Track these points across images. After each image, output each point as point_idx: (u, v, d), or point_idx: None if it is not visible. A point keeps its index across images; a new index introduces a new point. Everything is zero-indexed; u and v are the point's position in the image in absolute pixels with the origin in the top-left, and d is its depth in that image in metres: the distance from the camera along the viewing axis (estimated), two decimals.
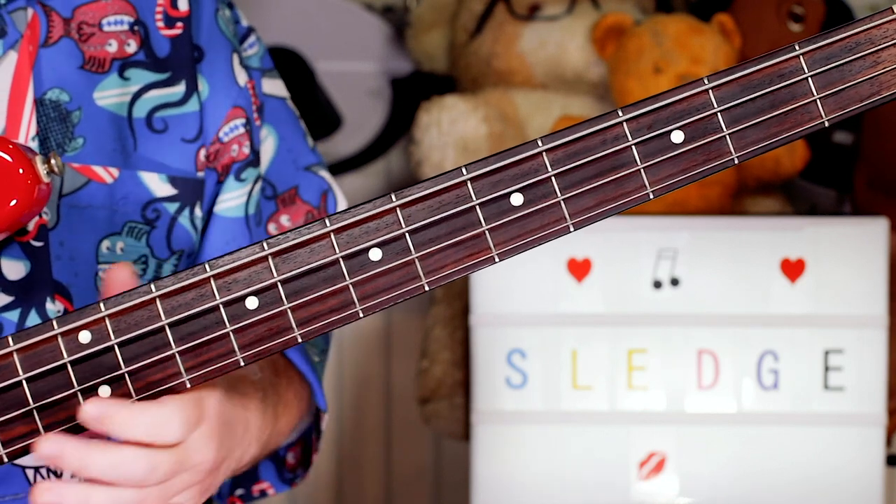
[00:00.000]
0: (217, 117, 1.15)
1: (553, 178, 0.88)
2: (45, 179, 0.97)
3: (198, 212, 1.14)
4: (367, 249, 0.88)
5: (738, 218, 1.96)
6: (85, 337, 0.88)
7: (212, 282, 0.88)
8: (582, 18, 2.18)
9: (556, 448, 1.90)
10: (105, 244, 1.09)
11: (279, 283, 0.89)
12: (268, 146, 1.21)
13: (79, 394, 0.89)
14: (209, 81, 1.15)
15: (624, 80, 2.09)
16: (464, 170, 0.88)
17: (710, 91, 0.88)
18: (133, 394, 0.90)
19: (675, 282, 1.90)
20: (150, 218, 1.11)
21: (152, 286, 0.88)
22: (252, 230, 1.19)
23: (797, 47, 0.88)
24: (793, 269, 1.89)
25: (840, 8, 2.22)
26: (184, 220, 1.13)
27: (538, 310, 1.90)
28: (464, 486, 2.04)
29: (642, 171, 0.88)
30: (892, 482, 2.29)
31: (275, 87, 1.23)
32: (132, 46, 1.11)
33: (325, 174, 1.26)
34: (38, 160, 0.97)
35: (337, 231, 0.88)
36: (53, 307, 1.06)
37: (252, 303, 0.89)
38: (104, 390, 0.89)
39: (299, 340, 0.89)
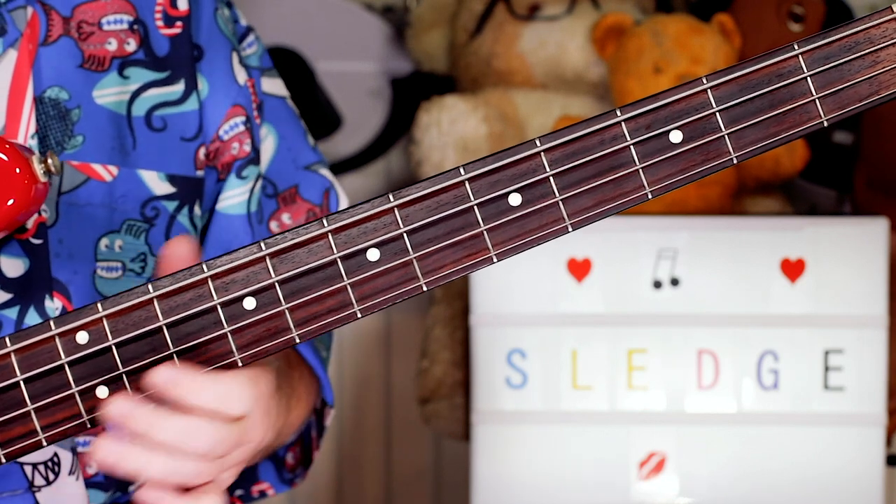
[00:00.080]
0: (217, 116, 1.16)
1: (551, 179, 0.88)
2: (42, 179, 0.97)
3: (197, 210, 1.14)
4: (365, 250, 0.88)
5: (738, 218, 1.96)
6: (83, 337, 0.88)
7: (209, 282, 0.88)
8: (582, 18, 2.18)
9: (556, 448, 1.90)
10: (104, 242, 1.09)
11: (277, 284, 0.88)
12: (268, 145, 1.21)
13: (76, 394, 0.89)
14: (208, 80, 1.15)
15: (624, 80, 2.09)
16: (462, 170, 0.88)
17: (709, 91, 0.88)
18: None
19: (675, 282, 1.90)
20: (149, 216, 1.11)
21: (150, 286, 0.88)
22: (254, 227, 1.19)
23: (796, 47, 0.88)
24: (793, 269, 1.89)
25: (840, 8, 2.22)
26: (183, 218, 1.13)
27: (538, 310, 1.90)
28: (464, 486, 2.04)
29: (641, 171, 0.88)
30: (892, 482, 2.29)
31: (274, 86, 1.23)
32: (132, 45, 1.11)
33: (326, 172, 1.26)
34: (35, 160, 0.97)
35: (335, 231, 0.88)
36: (52, 305, 1.06)
37: (250, 303, 0.89)
38: (102, 391, 0.89)
39: (297, 341, 0.89)
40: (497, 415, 1.91)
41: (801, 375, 1.89)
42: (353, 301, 0.89)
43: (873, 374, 1.88)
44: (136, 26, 1.11)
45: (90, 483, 1.10)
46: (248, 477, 1.26)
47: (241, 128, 1.17)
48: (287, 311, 0.89)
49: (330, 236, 0.88)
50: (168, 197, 1.12)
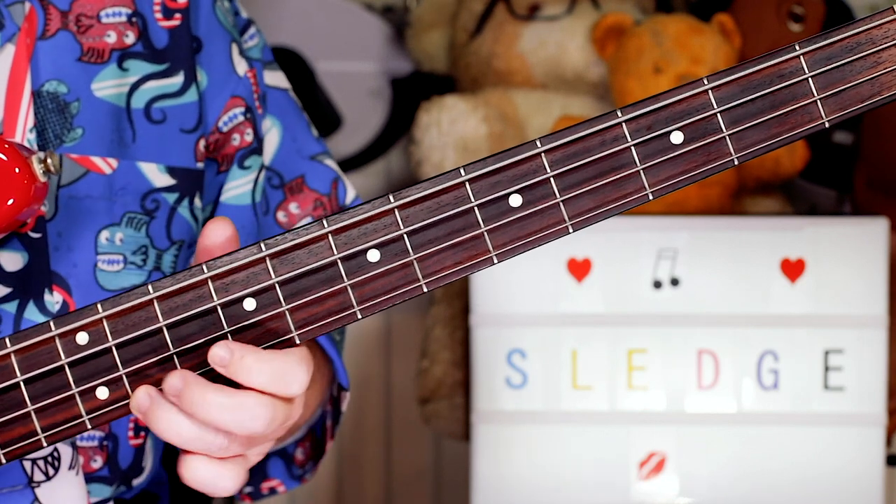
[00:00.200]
0: (216, 107, 1.16)
1: (552, 179, 0.88)
2: (42, 179, 0.97)
3: (197, 202, 1.14)
4: (365, 251, 0.88)
5: (738, 218, 1.96)
6: (83, 338, 0.88)
7: (210, 283, 0.88)
8: (582, 18, 2.18)
9: (556, 448, 1.90)
10: (104, 235, 1.09)
11: (277, 285, 0.88)
12: (272, 137, 1.22)
13: (77, 395, 0.89)
14: (207, 71, 1.15)
15: (624, 80, 2.09)
16: (462, 171, 0.88)
17: (710, 91, 0.88)
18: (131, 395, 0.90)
19: (675, 282, 1.90)
20: (150, 208, 1.11)
21: (150, 287, 0.88)
22: (259, 218, 1.19)
23: (797, 47, 0.88)
24: (793, 269, 1.89)
25: (840, 8, 2.22)
26: (183, 210, 1.13)
27: (538, 310, 1.90)
28: (464, 486, 2.04)
29: (642, 172, 0.88)
30: (892, 482, 2.29)
31: (276, 78, 1.23)
32: (130, 38, 1.11)
33: (331, 163, 1.26)
34: (35, 159, 0.97)
35: (335, 232, 0.88)
36: (52, 298, 1.06)
37: (250, 304, 0.89)
38: (102, 392, 0.89)
39: (297, 342, 0.89)
40: (497, 415, 1.90)
41: (801, 375, 1.89)
42: (354, 302, 0.89)
43: (873, 374, 1.88)
44: (134, 19, 1.12)
45: (94, 477, 1.10)
46: (257, 474, 1.26)
47: (241, 118, 1.17)
48: (287, 312, 0.89)
49: (330, 237, 0.88)
50: (168, 189, 1.12)
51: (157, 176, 1.11)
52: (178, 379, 0.86)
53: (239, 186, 1.18)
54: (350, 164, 2.44)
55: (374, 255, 0.88)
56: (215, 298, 0.88)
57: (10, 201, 0.96)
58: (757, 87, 0.88)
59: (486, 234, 0.88)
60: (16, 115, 1.05)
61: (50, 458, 1.05)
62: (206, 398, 0.86)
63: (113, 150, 1.09)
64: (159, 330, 0.88)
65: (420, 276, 0.88)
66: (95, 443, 1.10)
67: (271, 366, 0.87)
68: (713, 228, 1.91)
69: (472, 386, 1.91)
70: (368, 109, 2.44)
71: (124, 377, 0.89)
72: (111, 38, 1.11)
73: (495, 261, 0.89)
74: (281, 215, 1.22)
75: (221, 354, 0.86)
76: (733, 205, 2.14)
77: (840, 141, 2.19)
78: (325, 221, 0.88)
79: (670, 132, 0.88)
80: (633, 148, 0.88)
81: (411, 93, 2.40)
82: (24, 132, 1.05)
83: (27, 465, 1.04)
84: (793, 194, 2.27)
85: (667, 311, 1.89)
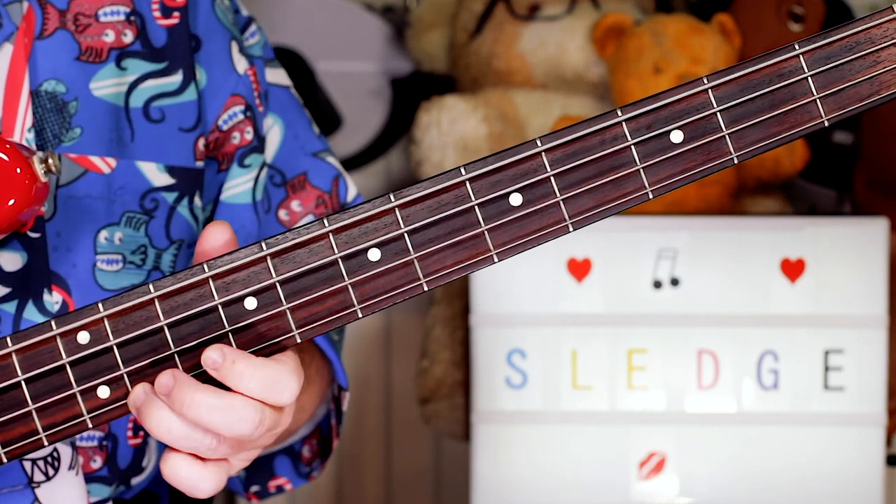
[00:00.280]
0: (215, 106, 1.16)
1: (552, 179, 0.88)
2: (43, 179, 0.97)
3: (197, 202, 1.14)
4: (365, 250, 0.88)
5: (738, 218, 1.96)
6: (84, 337, 0.88)
7: (210, 282, 0.88)
8: (582, 18, 2.18)
9: (556, 448, 1.90)
10: (103, 234, 1.09)
11: (278, 284, 0.88)
12: (274, 134, 1.21)
13: (78, 394, 0.89)
14: (207, 70, 1.15)
15: (624, 80, 2.09)
16: (462, 170, 0.88)
17: (710, 91, 0.88)
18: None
19: (675, 282, 1.90)
20: (149, 208, 1.11)
21: (151, 286, 0.88)
22: (260, 217, 1.19)
23: (797, 47, 0.88)
24: (793, 269, 1.89)
25: (840, 8, 2.22)
26: (183, 209, 1.13)
27: (538, 310, 1.90)
28: (464, 486, 2.04)
29: (641, 171, 0.88)
30: (892, 482, 2.29)
31: (277, 76, 1.23)
32: (129, 37, 1.11)
33: (333, 160, 1.26)
34: (36, 159, 0.97)
35: (336, 231, 0.88)
36: (51, 298, 1.05)
37: (251, 303, 0.89)
38: (103, 391, 0.89)
39: (298, 340, 0.89)
40: (497, 415, 1.91)
41: (801, 375, 1.89)
42: (355, 301, 0.89)
43: (873, 374, 1.88)
44: (133, 17, 1.11)
45: (93, 477, 1.10)
46: (264, 472, 1.26)
47: (241, 117, 1.17)
48: (288, 311, 0.89)
49: (331, 236, 0.88)
50: (167, 188, 1.12)
51: (156, 175, 1.11)
52: (169, 377, 0.86)
53: (239, 185, 1.18)
54: (350, 163, 2.45)
55: (374, 254, 0.88)
56: (216, 298, 0.88)
57: (12, 201, 0.96)
58: (756, 86, 0.88)
59: (486, 232, 0.89)
60: (14, 114, 1.05)
61: (50, 459, 1.05)
62: (195, 398, 0.86)
63: (112, 150, 1.09)
64: (160, 329, 0.88)
65: (421, 275, 0.89)
66: (95, 443, 1.10)
67: (263, 373, 0.87)
68: (713, 228, 1.91)
69: (472, 386, 1.91)
70: (368, 109, 2.44)
71: (125, 376, 0.89)
72: (109, 37, 1.10)
73: (496, 259, 0.89)
74: (283, 213, 1.22)
75: (214, 357, 0.86)
76: (733, 205, 2.14)
77: (840, 141, 2.20)
78: (325, 220, 0.88)
79: (670, 131, 0.88)
80: (632, 147, 0.88)
81: (411, 93, 2.40)
82: (22, 132, 1.05)
83: (27, 465, 1.04)
84: (793, 194, 2.27)
85: (667, 311, 1.90)
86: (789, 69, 0.88)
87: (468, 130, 2.10)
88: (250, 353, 0.89)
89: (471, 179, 0.88)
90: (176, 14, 1.13)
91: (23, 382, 0.88)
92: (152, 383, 0.88)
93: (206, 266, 0.88)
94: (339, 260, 0.88)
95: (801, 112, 0.88)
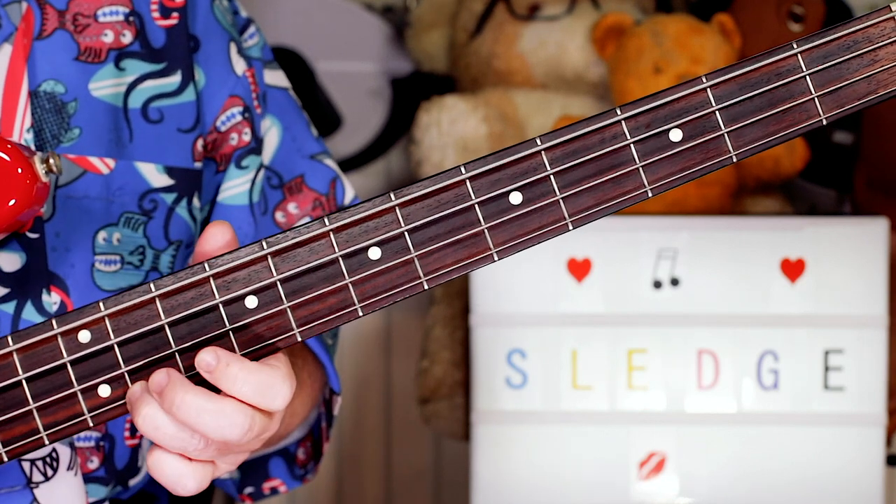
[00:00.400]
0: (214, 107, 1.16)
1: (552, 177, 0.88)
2: (44, 179, 0.97)
3: (196, 202, 1.14)
4: (366, 248, 0.89)
5: (738, 218, 1.96)
6: (84, 336, 0.88)
7: (211, 281, 0.88)
8: (582, 18, 2.18)
9: (556, 448, 1.90)
10: (101, 235, 1.09)
11: (279, 283, 0.89)
12: (272, 136, 1.21)
13: (78, 393, 0.89)
14: (205, 71, 1.15)
15: (624, 80, 2.09)
16: (462, 168, 0.88)
17: (709, 89, 0.88)
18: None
19: (675, 282, 1.90)
20: (147, 209, 1.11)
21: (151, 286, 0.88)
22: (257, 218, 1.19)
23: (795, 46, 0.88)
24: (793, 269, 1.89)
25: (840, 7, 2.22)
26: (181, 210, 1.13)
27: (538, 310, 1.91)
28: (464, 486, 2.04)
29: (641, 169, 0.89)
30: (892, 482, 2.29)
31: (276, 77, 1.23)
32: (128, 37, 1.11)
33: (330, 163, 1.26)
34: (37, 159, 0.97)
35: (336, 230, 0.88)
36: (49, 299, 1.06)
37: (252, 302, 0.89)
38: (104, 390, 0.89)
39: (299, 339, 0.89)
40: (497, 415, 1.91)
41: (801, 375, 1.89)
42: (355, 299, 0.89)
43: (873, 374, 1.88)
44: (131, 18, 1.11)
45: (90, 478, 1.10)
46: (258, 474, 1.26)
47: (239, 118, 1.17)
48: (289, 310, 0.89)
49: (331, 235, 0.88)
50: (166, 189, 1.12)
51: (154, 176, 1.11)
52: (163, 375, 0.86)
53: (236, 186, 1.18)
54: (350, 164, 2.45)
55: (375, 253, 0.89)
56: (217, 296, 0.88)
57: (12, 202, 0.97)
58: (755, 85, 0.88)
59: (486, 231, 0.89)
60: (13, 115, 1.05)
61: (48, 459, 1.05)
62: (186, 399, 0.86)
63: (110, 150, 1.09)
64: (161, 328, 0.89)
65: (421, 274, 0.89)
66: (92, 443, 1.10)
67: (257, 377, 0.87)
68: (713, 228, 1.91)
69: (472, 386, 1.91)
70: (368, 109, 2.44)
71: (126, 375, 0.89)
72: (108, 37, 1.11)
73: (496, 258, 0.89)
74: (279, 215, 1.22)
75: (208, 360, 0.86)
76: (733, 205, 2.14)
77: (840, 141, 2.20)
78: (326, 219, 0.88)
79: (669, 130, 0.88)
80: (632, 146, 0.88)
81: (411, 93, 2.40)
82: (21, 132, 1.05)
83: (26, 465, 1.04)
84: (793, 194, 2.27)
85: (667, 311, 1.90)
86: (787, 68, 0.88)
87: (468, 130, 2.10)
88: (250, 351, 0.89)
89: (471, 178, 0.88)
90: (175, 15, 1.13)
91: (23, 381, 0.89)
92: None
93: (206, 265, 0.88)
94: (340, 258, 0.89)
95: (799, 111, 0.89)
